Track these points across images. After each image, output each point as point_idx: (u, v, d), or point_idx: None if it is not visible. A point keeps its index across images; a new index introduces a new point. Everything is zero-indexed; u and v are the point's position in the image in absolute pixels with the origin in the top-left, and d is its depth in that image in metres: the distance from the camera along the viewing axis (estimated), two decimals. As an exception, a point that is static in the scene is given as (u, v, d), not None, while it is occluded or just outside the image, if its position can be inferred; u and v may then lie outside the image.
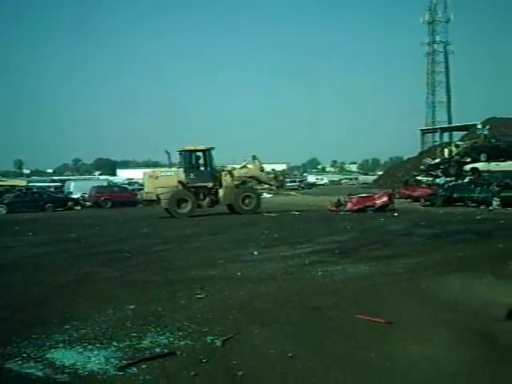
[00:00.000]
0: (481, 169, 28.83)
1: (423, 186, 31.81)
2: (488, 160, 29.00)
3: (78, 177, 71.62)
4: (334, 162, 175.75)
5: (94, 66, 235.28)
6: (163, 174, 26.28)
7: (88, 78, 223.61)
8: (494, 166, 28.27)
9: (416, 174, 37.50)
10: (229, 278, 9.44)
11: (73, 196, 41.86)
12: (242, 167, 27.90)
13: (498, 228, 15.77)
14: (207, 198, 26.07)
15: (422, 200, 28.23)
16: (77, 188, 44.67)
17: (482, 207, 23.90)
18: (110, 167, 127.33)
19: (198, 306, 7.33)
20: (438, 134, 79.34)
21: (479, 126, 41.51)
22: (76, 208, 38.44)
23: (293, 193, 48.22)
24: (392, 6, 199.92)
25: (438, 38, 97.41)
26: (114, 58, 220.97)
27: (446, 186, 29.24)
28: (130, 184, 61.02)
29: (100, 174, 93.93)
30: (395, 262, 10.54)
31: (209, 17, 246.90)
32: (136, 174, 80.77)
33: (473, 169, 29.43)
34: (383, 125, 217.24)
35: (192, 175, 25.74)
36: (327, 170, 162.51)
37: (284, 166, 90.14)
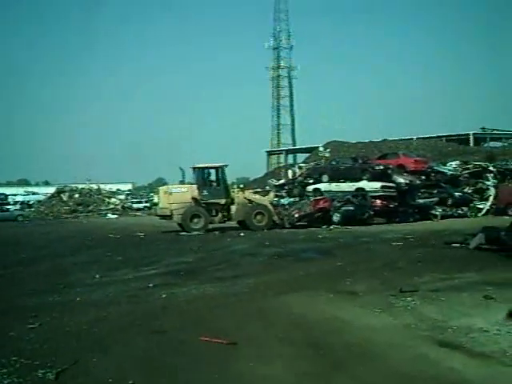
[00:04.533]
0: (322, 189, 30.11)
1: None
2: (329, 181, 30.49)
3: None
4: (181, 182, 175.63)
5: None
6: (177, 190, 26.46)
7: None
8: (334, 186, 29.76)
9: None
10: (68, 303, 8.93)
11: None
12: (256, 192, 29.67)
13: (337, 246, 16.54)
14: (219, 214, 26.09)
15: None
16: None
17: (324, 226, 25.05)
18: None
19: (30, 336, 6.78)
20: (283, 156, 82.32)
21: (321, 149, 43.84)
22: None
23: (139, 213, 48.08)
24: (239, 28, 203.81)
25: (282, 64, 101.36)
26: None
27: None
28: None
29: None
30: (240, 281, 10.65)
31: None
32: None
33: (315, 189, 30.74)
34: (231, 146, 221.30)
35: (205, 192, 25.83)
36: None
37: (129, 186, 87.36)
